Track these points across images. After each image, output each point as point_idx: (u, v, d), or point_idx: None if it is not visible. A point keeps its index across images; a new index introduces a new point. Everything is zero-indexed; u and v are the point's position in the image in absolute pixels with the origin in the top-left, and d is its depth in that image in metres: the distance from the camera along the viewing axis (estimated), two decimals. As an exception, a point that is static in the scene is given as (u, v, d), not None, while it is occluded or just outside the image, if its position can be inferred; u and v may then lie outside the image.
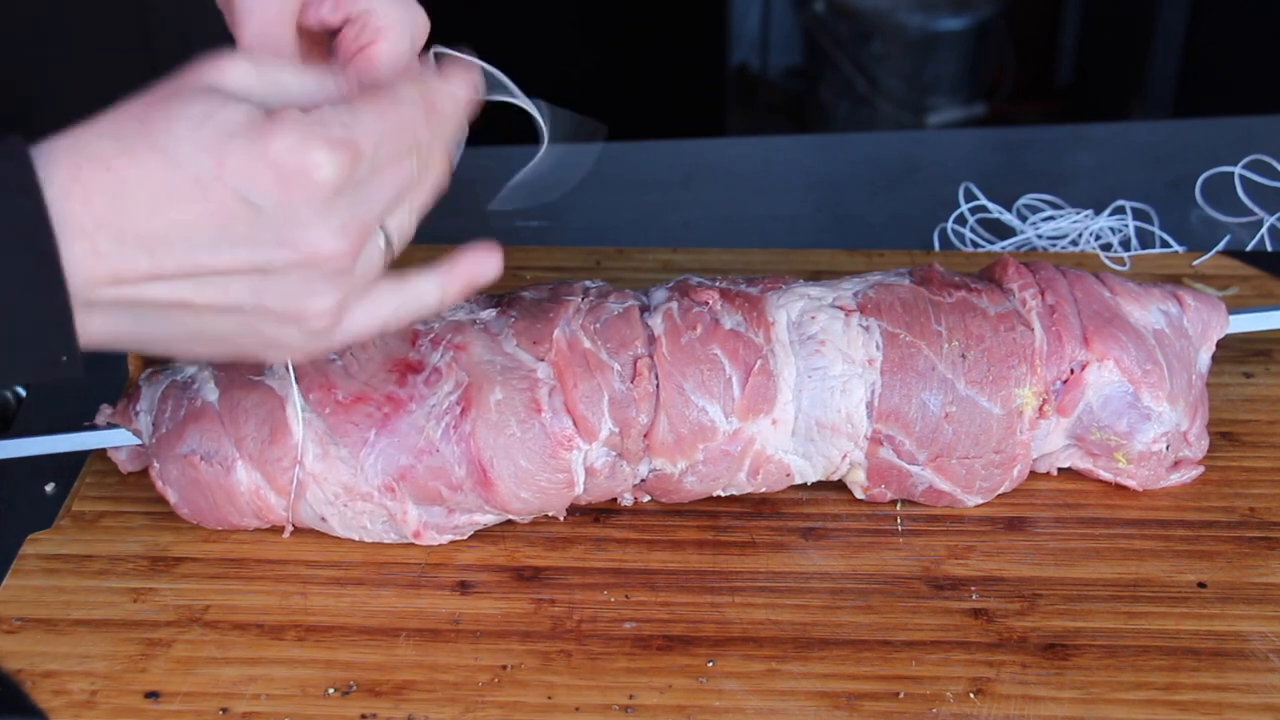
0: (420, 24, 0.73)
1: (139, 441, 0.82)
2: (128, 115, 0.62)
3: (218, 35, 0.80)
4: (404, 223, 0.67)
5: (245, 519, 0.80)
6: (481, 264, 0.71)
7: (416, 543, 0.80)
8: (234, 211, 0.61)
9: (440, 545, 0.81)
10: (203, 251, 0.61)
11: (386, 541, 0.80)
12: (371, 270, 0.66)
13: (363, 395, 0.77)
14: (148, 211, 0.60)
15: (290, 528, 0.80)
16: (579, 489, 0.80)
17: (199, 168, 0.60)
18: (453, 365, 0.78)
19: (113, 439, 0.82)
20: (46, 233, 0.58)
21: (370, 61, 0.71)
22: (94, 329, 0.62)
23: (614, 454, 0.79)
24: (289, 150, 0.60)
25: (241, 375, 0.79)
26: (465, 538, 0.81)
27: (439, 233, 1.14)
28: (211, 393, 0.79)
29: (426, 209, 0.69)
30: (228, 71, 0.64)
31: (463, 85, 0.69)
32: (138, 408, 0.81)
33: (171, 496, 0.80)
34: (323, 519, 0.79)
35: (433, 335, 0.80)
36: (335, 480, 0.77)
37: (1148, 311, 0.84)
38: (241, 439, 0.78)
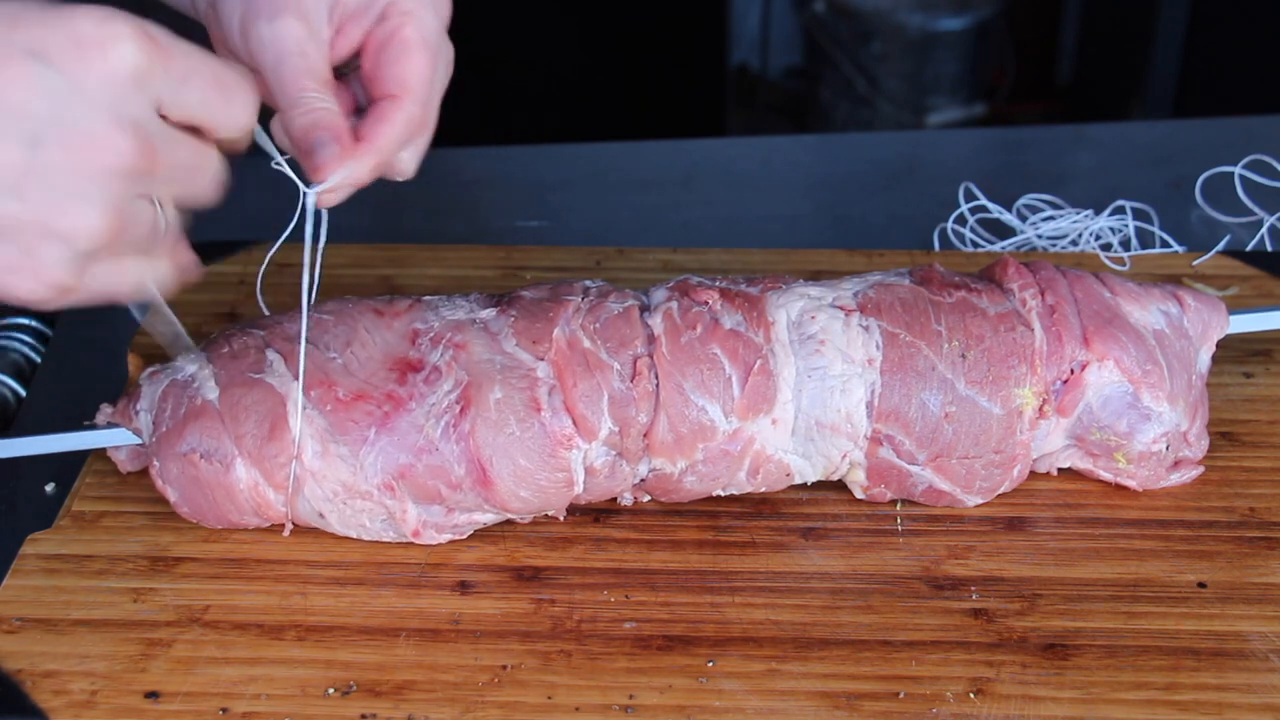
0: (442, 2, 0.75)
1: (139, 441, 0.82)
2: None
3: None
4: (172, 214, 0.65)
5: (245, 517, 0.80)
6: (179, 260, 0.68)
7: (415, 542, 0.80)
8: (17, 75, 0.57)
9: (440, 545, 0.81)
10: None
11: (385, 540, 0.80)
12: (142, 229, 0.63)
13: (363, 393, 0.77)
14: None
15: (290, 525, 0.80)
16: (578, 488, 0.80)
17: None
18: (452, 364, 0.78)
19: (113, 438, 0.82)
20: None
21: (405, 42, 0.73)
22: None
23: (613, 453, 0.79)
24: (94, 24, 0.58)
25: (242, 374, 0.79)
26: (464, 537, 0.81)
27: (440, 232, 1.14)
28: (212, 391, 0.79)
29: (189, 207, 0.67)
30: None
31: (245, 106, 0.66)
32: (138, 407, 0.81)
33: (171, 495, 0.80)
34: (321, 515, 0.79)
35: (433, 334, 0.80)
36: (334, 478, 0.77)
37: (1148, 312, 0.84)
38: (241, 436, 0.78)
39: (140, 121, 0.60)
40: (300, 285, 0.76)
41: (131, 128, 0.60)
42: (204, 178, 0.65)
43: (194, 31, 0.77)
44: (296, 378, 0.78)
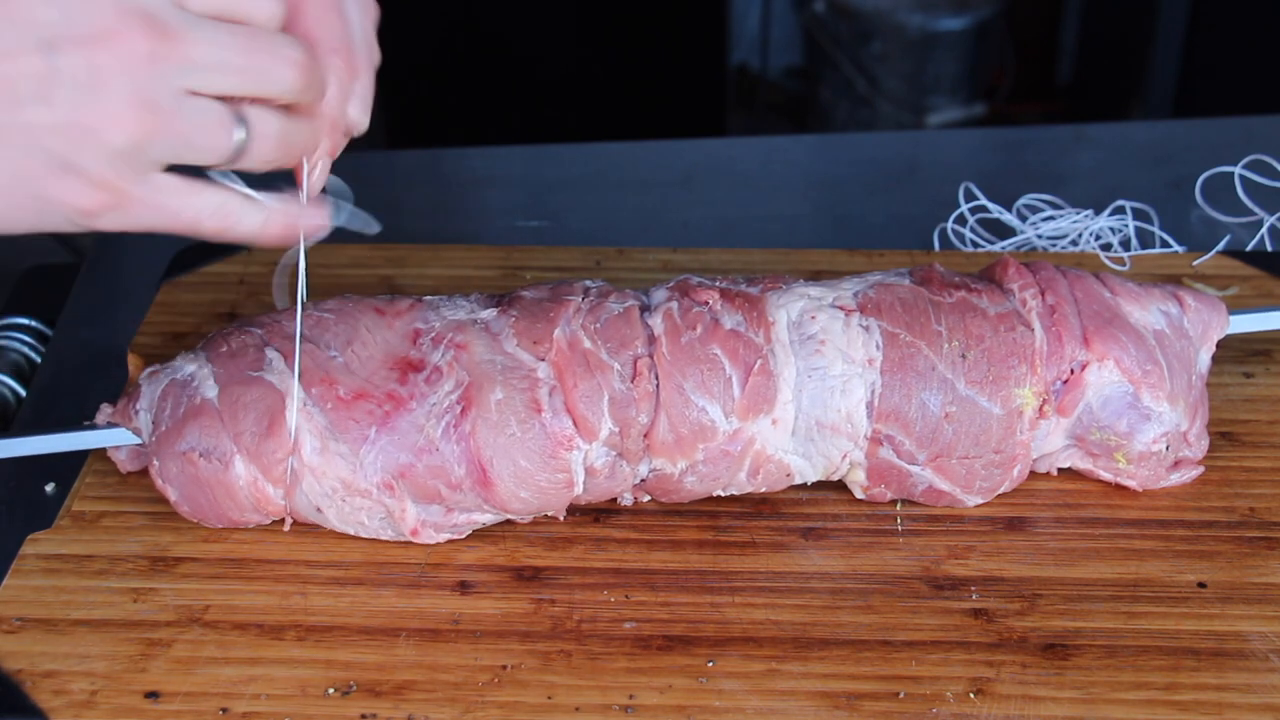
0: None
1: (139, 440, 0.82)
2: None
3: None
4: (269, 123, 0.64)
5: (245, 514, 0.80)
6: (308, 215, 0.68)
7: (414, 540, 0.80)
8: None
9: (440, 545, 0.81)
10: None
11: (383, 538, 0.80)
12: (200, 131, 0.61)
13: (364, 392, 0.77)
14: None
15: (290, 521, 0.80)
16: (578, 489, 0.80)
17: None
18: (453, 364, 0.78)
19: (112, 438, 0.82)
20: None
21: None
22: None
23: (614, 454, 0.79)
24: None
25: (241, 372, 0.79)
26: (463, 537, 0.81)
27: (440, 232, 1.14)
28: (211, 389, 0.79)
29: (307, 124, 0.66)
30: None
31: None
32: (137, 407, 0.81)
33: (171, 494, 0.80)
34: (318, 509, 0.79)
35: (434, 334, 0.80)
36: (333, 475, 0.77)
37: (1148, 312, 0.84)
38: (239, 434, 0.78)
39: (151, 10, 0.59)
40: (297, 284, 0.77)
41: (140, 15, 0.59)
42: (268, 69, 0.62)
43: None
44: (296, 374, 0.78)
